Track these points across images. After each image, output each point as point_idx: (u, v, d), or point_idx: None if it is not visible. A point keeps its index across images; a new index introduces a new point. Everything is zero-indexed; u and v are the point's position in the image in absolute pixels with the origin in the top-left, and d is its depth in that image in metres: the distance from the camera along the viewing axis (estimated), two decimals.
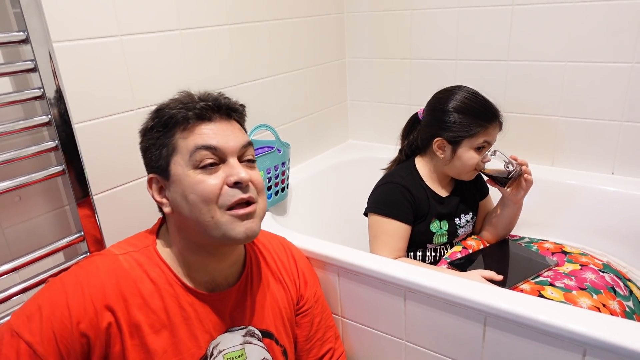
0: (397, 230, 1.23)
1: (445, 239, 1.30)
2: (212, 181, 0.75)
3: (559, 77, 1.45)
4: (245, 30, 1.39)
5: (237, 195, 0.75)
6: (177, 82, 1.21)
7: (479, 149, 1.21)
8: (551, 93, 1.48)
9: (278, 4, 1.49)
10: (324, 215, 1.64)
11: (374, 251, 1.24)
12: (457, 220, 1.31)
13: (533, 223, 1.45)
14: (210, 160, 0.75)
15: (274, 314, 0.90)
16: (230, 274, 0.86)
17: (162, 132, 0.77)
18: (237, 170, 0.76)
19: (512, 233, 1.37)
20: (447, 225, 1.29)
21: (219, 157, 0.77)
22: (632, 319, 1.11)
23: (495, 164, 1.20)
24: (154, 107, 0.82)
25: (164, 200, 0.79)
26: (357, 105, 1.91)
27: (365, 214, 1.30)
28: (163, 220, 0.85)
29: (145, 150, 0.80)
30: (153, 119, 0.79)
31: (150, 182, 0.80)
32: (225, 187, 0.75)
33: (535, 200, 1.48)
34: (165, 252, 0.81)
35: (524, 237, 1.39)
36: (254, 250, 0.93)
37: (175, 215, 0.78)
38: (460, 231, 1.32)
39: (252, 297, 0.88)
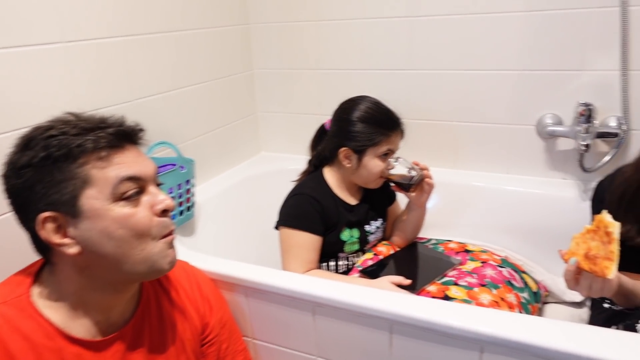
0: (308, 242, 1.22)
1: (356, 247, 1.32)
2: (142, 213, 0.70)
3: (455, 84, 1.54)
4: (141, 42, 1.32)
5: (169, 224, 0.74)
6: (61, 101, 1.12)
7: (383, 157, 1.24)
8: (449, 100, 1.56)
9: (178, 15, 1.44)
10: (236, 232, 1.59)
11: (286, 265, 1.23)
12: (367, 227, 1.33)
13: (439, 224, 1.51)
14: (134, 191, 0.70)
15: (177, 350, 0.84)
16: (126, 308, 0.79)
17: (61, 163, 0.67)
18: (161, 197, 0.73)
19: (419, 236, 1.42)
20: (358, 233, 1.31)
21: (140, 186, 0.72)
22: (527, 309, 1.19)
23: (399, 170, 1.23)
24: (23, 133, 0.70)
25: (66, 241, 0.68)
26: (267, 117, 1.89)
27: (277, 228, 1.28)
28: (44, 263, 0.75)
29: (28, 188, 0.67)
30: (42, 148, 0.67)
31: (44, 222, 0.67)
32: (154, 217, 0.71)
33: (439, 202, 1.55)
34: (42, 302, 0.71)
35: (430, 239, 1.44)
36: (151, 281, 0.86)
37: (85, 255, 0.69)
38: (371, 238, 1.35)
39: (150, 334, 0.81)
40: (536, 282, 1.32)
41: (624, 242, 0.99)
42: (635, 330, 0.88)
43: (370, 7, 1.57)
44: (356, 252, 1.32)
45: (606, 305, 1.14)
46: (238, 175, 1.71)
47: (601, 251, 0.83)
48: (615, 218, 1.00)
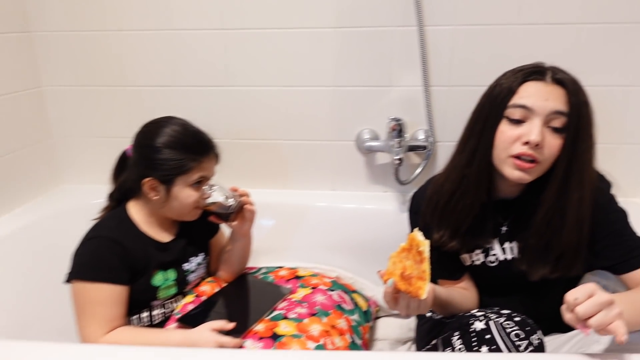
0: (109, 296, 1.01)
1: (174, 290, 1.14)
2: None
3: (275, 101, 1.47)
4: None
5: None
6: None
7: (196, 185, 1.10)
8: (270, 117, 1.49)
9: None
10: (25, 288, 1.28)
11: (82, 328, 1.00)
12: (185, 266, 1.17)
13: (269, 250, 1.42)
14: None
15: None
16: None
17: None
18: None
19: (249, 265, 1.31)
20: (174, 274, 1.14)
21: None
22: (357, 332, 1.16)
23: (216, 199, 1.10)
24: None
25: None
26: (67, 142, 1.59)
27: (68, 282, 1.04)
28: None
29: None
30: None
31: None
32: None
33: (269, 226, 1.46)
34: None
35: (260, 268, 1.34)
36: None
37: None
38: (191, 277, 1.18)
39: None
40: (366, 299, 1.31)
41: (439, 247, 1.01)
42: (451, 344, 0.88)
43: (177, 18, 1.42)
44: (174, 296, 1.15)
45: (428, 315, 1.17)
46: (27, 216, 1.39)
47: (415, 271, 0.81)
48: (431, 226, 1.01)
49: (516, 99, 0.85)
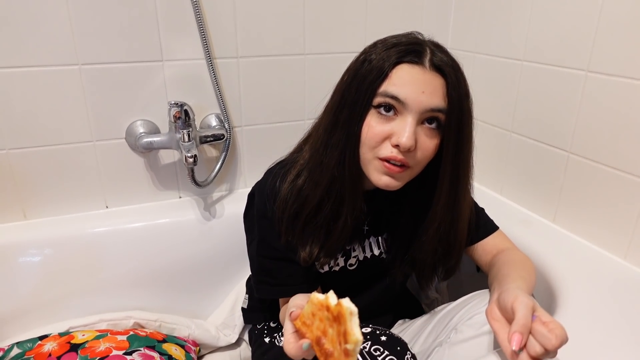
0: None
1: None
2: None
3: None
4: None
5: None
6: None
7: None
8: None
9: None
10: None
11: None
12: None
13: (25, 313, 0.96)
14: None
15: None
16: None
17: None
18: None
19: None
20: None
21: None
22: None
23: None
24: None
25: None
26: None
27: None
28: None
29: None
30: None
31: None
32: None
33: (16, 282, 1.00)
34: None
35: (11, 348, 0.89)
36: None
37: None
38: None
39: None
40: (182, 344, 1.00)
41: (314, 263, 0.79)
42: None
43: None
44: None
45: (267, 340, 0.95)
46: None
47: (336, 351, 0.55)
48: (292, 241, 0.76)
49: (387, 86, 0.66)
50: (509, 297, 0.61)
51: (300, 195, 0.75)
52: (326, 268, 0.83)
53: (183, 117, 1.04)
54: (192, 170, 1.07)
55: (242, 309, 1.06)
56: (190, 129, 1.05)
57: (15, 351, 0.89)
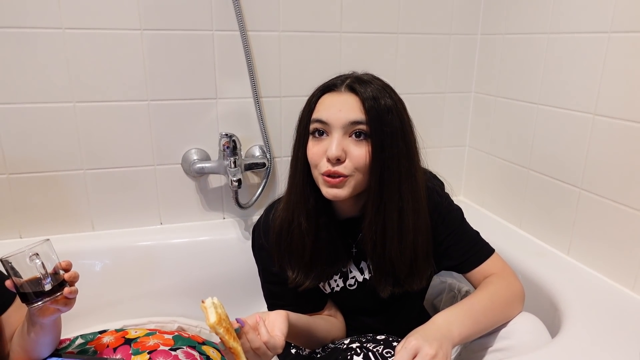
0: None
1: None
2: None
3: (69, 121, 1.16)
4: None
5: None
6: None
7: None
8: (66, 142, 1.17)
9: None
10: None
11: None
12: None
13: (86, 310, 1.11)
14: None
15: None
16: None
17: None
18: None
19: (63, 337, 0.99)
20: None
21: None
22: None
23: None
24: None
25: None
26: None
27: None
28: None
29: None
30: None
31: None
32: None
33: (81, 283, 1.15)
34: None
35: (76, 338, 1.03)
36: None
37: None
38: None
39: None
40: (219, 349, 1.11)
41: (297, 287, 0.89)
42: None
43: None
44: None
45: (293, 351, 1.05)
46: None
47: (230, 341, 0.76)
48: (283, 264, 0.89)
49: (314, 114, 0.81)
50: (411, 334, 0.73)
51: (279, 223, 0.88)
52: (328, 289, 0.93)
53: (231, 146, 1.19)
54: (237, 193, 1.21)
55: None
56: (237, 157, 1.20)
57: (79, 341, 1.02)
